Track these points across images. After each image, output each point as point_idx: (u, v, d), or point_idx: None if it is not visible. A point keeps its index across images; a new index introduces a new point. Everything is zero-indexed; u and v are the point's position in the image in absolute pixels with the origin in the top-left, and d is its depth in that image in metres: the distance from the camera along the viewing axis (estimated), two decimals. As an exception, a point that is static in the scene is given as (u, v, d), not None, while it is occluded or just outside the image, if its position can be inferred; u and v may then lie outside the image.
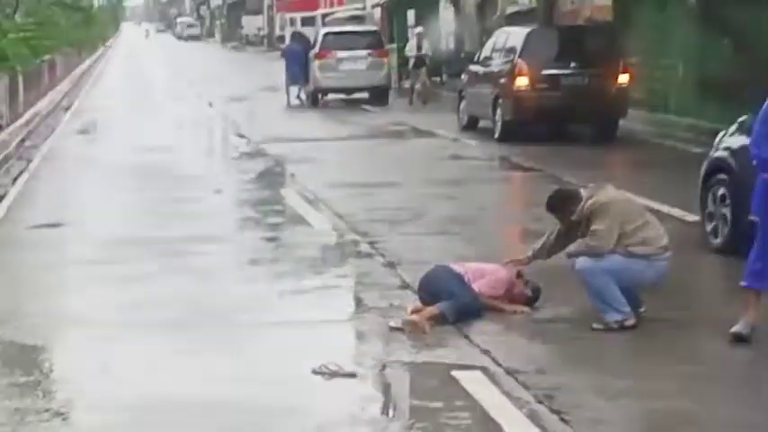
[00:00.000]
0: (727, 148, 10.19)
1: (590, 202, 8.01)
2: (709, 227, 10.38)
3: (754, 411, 6.40)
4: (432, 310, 8.03)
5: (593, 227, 7.88)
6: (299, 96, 30.63)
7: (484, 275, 8.38)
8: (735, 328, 7.47)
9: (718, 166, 10.28)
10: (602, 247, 7.84)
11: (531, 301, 8.47)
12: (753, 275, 7.50)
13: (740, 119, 10.05)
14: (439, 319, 7.97)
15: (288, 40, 35.37)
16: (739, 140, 9.75)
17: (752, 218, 7.70)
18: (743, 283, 7.56)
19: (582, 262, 7.92)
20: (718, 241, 10.21)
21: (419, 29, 31.97)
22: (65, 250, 11.28)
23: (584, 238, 7.96)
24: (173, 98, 35.04)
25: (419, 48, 30.49)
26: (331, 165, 17.89)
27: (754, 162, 7.54)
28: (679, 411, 6.33)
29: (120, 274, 10.01)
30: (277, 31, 74.82)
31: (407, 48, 31.41)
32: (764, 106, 7.47)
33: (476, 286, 8.25)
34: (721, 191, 10.17)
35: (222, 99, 32.57)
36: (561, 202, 8.27)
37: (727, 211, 10.09)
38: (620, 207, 7.97)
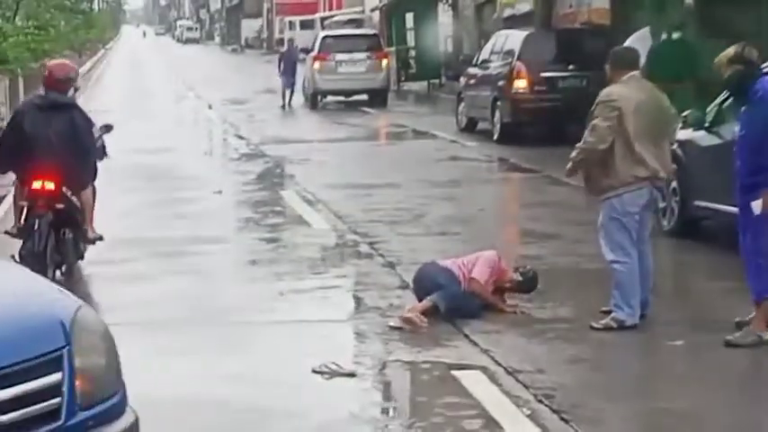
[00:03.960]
0: (676, 140, 10.59)
1: (605, 90, 7.92)
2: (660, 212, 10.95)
3: (755, 411, 6.41)
4: (424, 303, 8.10)
5: (596, 122, 7.79)
6: (289, 102, 30.80)
7: (475, 262, 8.38)
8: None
9: None
10: (595, 144, 7.76)
11: (523, 287, 8.47)
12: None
13: (684, 113, 10.58)
14: (432, 312, 8.03)
15: (285, 45, 35.39)
16: (685, 134, 10.55)
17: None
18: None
19: (611, 257, 7.84)
20: (668, 225, 11.07)
21: None
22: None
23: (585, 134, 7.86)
24: (172, 100, 35.06)
25: None
26: (330, 166, 17.91)
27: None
28: (679, 411, 6.34)
29: (120, 274, 10.02)
30: (276, 35, 74.80)
31: None
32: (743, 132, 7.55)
33: (476, 275, 8.25)
34: (674, 183, 10.62)
35: (222, 101, 32.59)
36: (609, 59, 8.15)
37: (676, 200, 10.87)
38: (622, 105, 7.79)
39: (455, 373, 6.92)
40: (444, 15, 37.95)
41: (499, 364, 7.09)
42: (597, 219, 8.09)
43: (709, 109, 10.47)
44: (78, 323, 4.17)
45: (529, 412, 6.23)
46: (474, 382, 6.75)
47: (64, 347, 4.03)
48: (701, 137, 10.56)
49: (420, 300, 8.30)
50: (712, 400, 6.54)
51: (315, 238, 11.60)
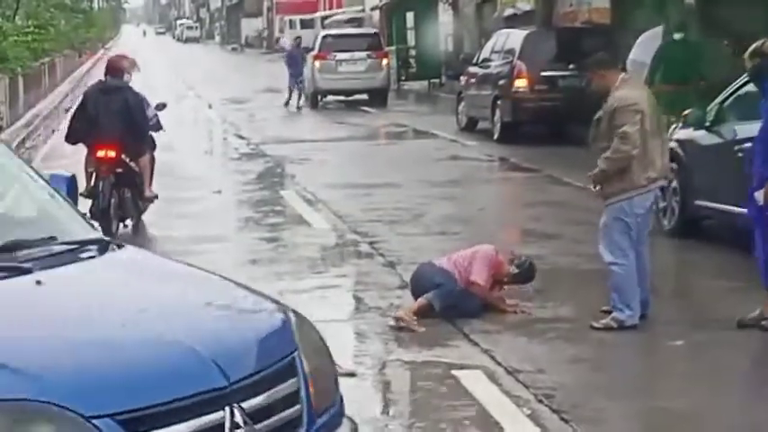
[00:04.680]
0: (676, 140, 10.83)
1: (617, 95, 7.81)
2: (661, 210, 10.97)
3: (755, 411, 6.41)
4: (419, 301, 8.11)
5: (625, 129, 7.65)
6: (297, 104, 30.55)
7: (472, 260, 8.36)
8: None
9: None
10: (629, 151, 7.65)
11: (520, 278, 8.47)
12: None
13: (685, 112, 10.89)
14: (427, 310, 8.03)
15: (288, 44, 35.22)
16: (685, 133, 10.76)
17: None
18: None
19: (609, 258, 7.84)
20: (668, 225, 11.06)
21: None
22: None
23: (611, 146, 7.70)
24: (172, 99, 34.99)
25: None
26: (330, 166, 17.91)
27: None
28: (679, 411, 6.34)
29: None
30: (276, 34, 74.80)
31: None
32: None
33: (476, 278, 8.25)
34: (674, 183, 10.71)
35: (222, 101, 32.59)
36: (593, 63, 8.19)
37: (677, 200, 10.88)
38: (643, 107, 7.81)
39: (455, 372, 6.92)
40: (445, 14, 37.95)
41: (499, 364, 7.08)
42: (597, 218, 8.08)
43: (709, 108, 10.48)
44: (300, 328, 4.14)
45: (529, 412, 6.23)
46: (474, 381, 6.74)
47: (294, 352, 3.96)
48: (702, 136, 10.57)
49: (416, 299, 8.30)
50: (713, 399, 6.53)
51: (315, 237, 11.60)
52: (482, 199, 14.37)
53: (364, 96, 30.46)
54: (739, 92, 10.07)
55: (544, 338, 7.74)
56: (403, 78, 35.83)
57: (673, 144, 10.96)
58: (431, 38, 35.79)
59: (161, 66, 58.75)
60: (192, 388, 3.52)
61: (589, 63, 8.34)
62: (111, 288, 4.22)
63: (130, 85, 11.77)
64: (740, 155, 9.17)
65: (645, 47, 17.23)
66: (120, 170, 11.31)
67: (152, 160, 12.00)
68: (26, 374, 3.35)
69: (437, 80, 34.59)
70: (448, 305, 8.10)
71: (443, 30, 37.36)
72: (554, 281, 9.00)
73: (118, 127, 11.18)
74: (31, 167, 5.15)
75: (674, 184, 10.79)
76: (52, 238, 4.42)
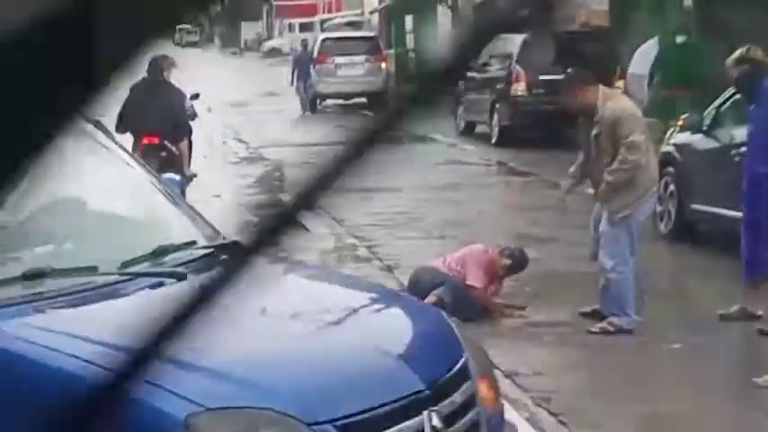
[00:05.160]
0: (673, 144, 11.00)
1: (614, 105, 7.73)
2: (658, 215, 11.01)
3: (754, 413, 6.43)
4: (429, 299, 8.07)
5: (632, 138, 7.56)
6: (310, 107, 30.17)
7: (464, 264, 8.38)
8: None
9: (665, 160, 10.79)
10: (639, 160, 7.59)
11: (515, 269, 8.49)
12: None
13: (682, 116, 11.05)
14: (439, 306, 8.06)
15: (297, 48, 34.48)
16: (682, 137, 10.85)
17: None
18: None
19: (610, 264, 7.85)
20: (665, 229, 11.12)
21: None
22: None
23: (618, 158, 7.57)
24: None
25: None
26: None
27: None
28: (676, 414, 6.36)
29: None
30: (272, 41, 74.81)
31: None
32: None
33: (472, 281, 8.27)
34: (671, 187, 10.87)
35: (221, 104, 32.58)
36: (573, 80, 8.10)
37: (673, 203, 10.96)
38: (639, 116, 7.87)
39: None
40: (444, 18, 37.99)
41: (497, 368, 7.09)
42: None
43: (706, 112, 10.51)
44: (461, 332, 4.25)
45: (527, 415, 6.25)
46: (472, 385, 6.76)
47: (464, 354, 4.03)
48: (699, 140, 10.60)
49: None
50: (710, 402, 6.55)
51: (313, 242, 11.61)
52: (480, 203, 14.39)
53: (363, 100, 30.46)
54: (736, 96, 10.09)
55: (541, 342, 7.77)
56: (401, 82, 35.86)
57: (670, 148, 11.05)
58: (430, 41, 35.82)
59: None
60: (397, 393, 3.61)
61: (567, 80, 8.19)
62: (287, 294, 4.28)
63: (170, 80, 13.49)
64: (737, 159, 9.21)
65: (642, 60, 17.24)
66: (163, 154, 12.63)
67: (189, 144, 13.56)
68: (251, 383, 3.43)
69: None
70: (455, 300, 8.06)
71: (442, 33, 37.39)
72: (552, 284, 9.03)
73: (160, 117, 12.63)
74: (150, 171, 5.10)
75: (672, 188, 10.82)
76: (193, 243, 4.43)
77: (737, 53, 7.95)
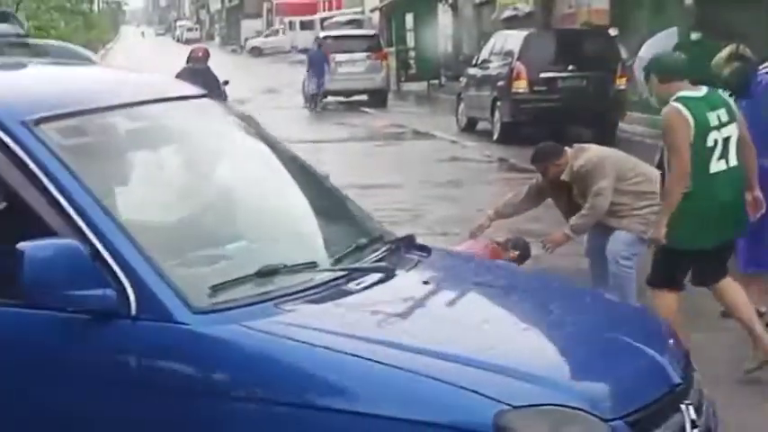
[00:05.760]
0: None
1: (581, 161, 8.01)
2: None
3: (754, 414, 6.44)
4: None
5: (598, 185, 7.86)
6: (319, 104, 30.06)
7: None
8: None
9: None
10: (604, 206, 7.87)
11: (522, 257, 8.53)
12: None
13: None
14: None
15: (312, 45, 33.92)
16: None
17: None
18: None
19: (616, 266, 7.97)
20: None
21: None
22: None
23: (588, 203, 7.94)
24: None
25: None
26: (331, 166, 17.91)
27: None
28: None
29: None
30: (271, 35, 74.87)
31: None
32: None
33: None
34: None
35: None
36: (545, 156, 8.28)
37: None
38: (613, 161, 8.05)
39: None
40: (444, 16, 38.02)
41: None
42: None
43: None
44: None
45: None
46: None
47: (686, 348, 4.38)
48: None
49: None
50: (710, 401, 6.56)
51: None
52: (482, 199, 14.39)
53: (364, 97, 30.50)
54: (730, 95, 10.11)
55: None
56: (402, 79, 35.90)
57: None
58: (430, 39, 35.86)
59: (161, 66, 58.80)
60: (665, 387, 3.77)
61: (539, 157, 8.32)
62: (503, 291, 4.41)
63: (208, 65, 16.60)
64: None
65: (655, 44, 17.16)
66: None
67: None
68: (551, 382, 3.49)
69: (436, 81, 34.65)
70: None
71: (443, 31, 37.43)
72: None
73: None
74: (308, 165, 5.00)
75: None
76: (380, 238, 4.47)
77: (726, 51, 8.01)
